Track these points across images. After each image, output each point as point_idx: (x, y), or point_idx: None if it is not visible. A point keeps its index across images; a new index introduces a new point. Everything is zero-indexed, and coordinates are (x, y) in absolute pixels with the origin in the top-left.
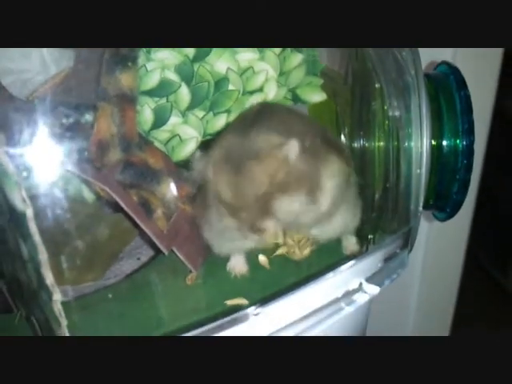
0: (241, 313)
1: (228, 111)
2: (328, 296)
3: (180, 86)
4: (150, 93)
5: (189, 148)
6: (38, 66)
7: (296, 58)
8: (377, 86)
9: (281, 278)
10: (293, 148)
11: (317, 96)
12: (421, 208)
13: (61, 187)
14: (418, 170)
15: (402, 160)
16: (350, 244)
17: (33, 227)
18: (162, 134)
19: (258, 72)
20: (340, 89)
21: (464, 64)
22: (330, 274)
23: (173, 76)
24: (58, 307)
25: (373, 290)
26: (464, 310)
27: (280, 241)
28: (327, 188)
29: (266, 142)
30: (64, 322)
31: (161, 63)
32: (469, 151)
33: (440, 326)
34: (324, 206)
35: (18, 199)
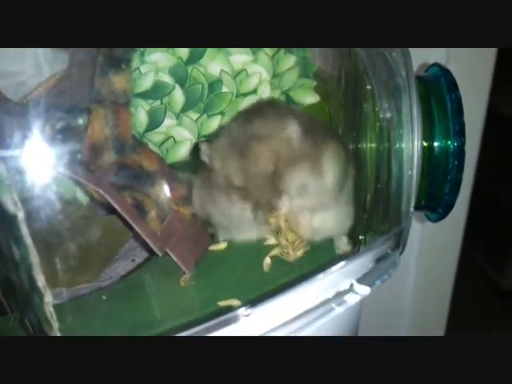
0: (231, 314)
1: (222, 113)
2: (319, 297)
3: (174, 88)
4: (144, 95)
5: (183, 150)
6: (32, 68)
7: (289, 60)
8: (368, 87)
9: (273, 278)
10: (294, 129)
11: (310, 98)
12: (412, 209)
13: (54, 190)
14: (410, 172)
15: (393, 161)
16: (342, 244)
17: (24, 230)
18: (156, 136)
19: (252, 74)
20: (333, 90)
21: (457, 65)
22: (321, 275)
23: (167, 78)
24: (49, 309)
25: (364, 290)
26: (459, 310)
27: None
28: (330, 165)
29: (268, 126)
30: (56, 324)
31: (155, 66)
32: (460, 152)
33: (435, 325)
34: (329, 181)
35: (10, 202)
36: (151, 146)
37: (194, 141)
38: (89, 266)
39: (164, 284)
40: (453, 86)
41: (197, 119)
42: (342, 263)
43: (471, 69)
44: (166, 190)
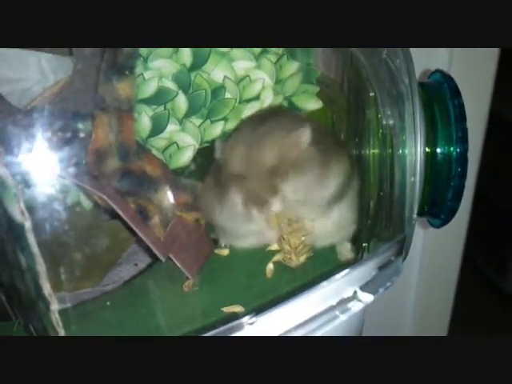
0: (236, 322)
1: (225, 119)
2: (323, 304)
3: (177, 94)
4: (148, 101)
5: (186, 156)
6: (37, 75)
7: (292, 66)
8: (371, 94)
9: (277, 285)
10: (305, 133)
11: (313, 104)
12: (415, 215)
13: (59, 196)
14: (412, 178)
15: (396, 168)
16: (345, 250)
17: (31, 239)
18: (159, 142)
19: (255, 80)
20: (336, 96)
21: (459, 71)
22: (325, 283)
23: (170, 84)
24: (55, 316)
25: (367, 298)
26: (461, 315)
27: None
28: (334, 175)
29: (281, 126)
30: (61, 331)
31: (158, 72)
32: (463, 158)
33: (437, 330)
34: (331, 189)
35: (17, 211)
36: (154, 152)
37: (197, 146)
38: (91, 270)
39: (167, 290)
40: (455, 92)
41: (200, 125)
42: (346, 271)
43: (473, 74)
44: (169, 196)
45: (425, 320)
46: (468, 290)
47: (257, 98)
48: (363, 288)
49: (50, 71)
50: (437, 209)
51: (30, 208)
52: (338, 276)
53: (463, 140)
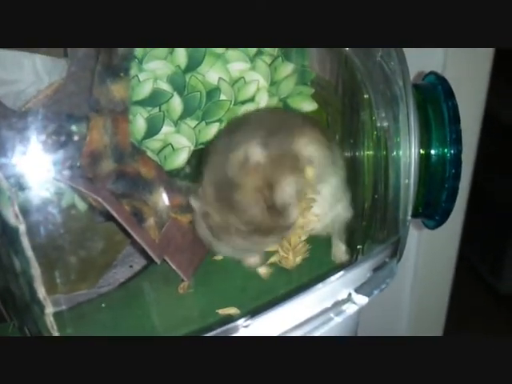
0: (231, 325)
1: (220, 120)
2: (317, 307)
3: (172, 95)
4: (143, 103)
5: (181, 157)
6: (31, 76)
7: (287, 67)
8: (365, 96)
9: (272, 287)
10: (255, 152)
11: (307, 105)
12: (409, 217)
13: (53, 199)
14: (407, 180)
15: (390, 169)
16: (340, 252)
17: (26, 243)
18: (154, 144)
19: (250, 82)
20: (330, 98)
21: (453, 73)
22: (320, 285)
23: (165, 86)
24: (50, 320)
25: (362, 300)
26: (457, 315)
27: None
28: (308, 153)
29: (235, 165)
30: (56, 333)
31: (153, 74)
32: (457, 160)
33: (433, 330)
34: (310, 171)
35: (11, 214)
36: (149, 154)
37: (192, 148)
38: (87, 272)
39: (162, 292)
40: (449, 94)
41: (195, 126)
42: (341, 273)
43: (468, 75)
44: (164, 198)
45: (420, 320)
46: (463, 289)
47: (252, 99)
48: (358, 290)
49: (44, 73)
50: (431, 210)
51: (25, 211)
52: (332, 278)
53: (457, 142)
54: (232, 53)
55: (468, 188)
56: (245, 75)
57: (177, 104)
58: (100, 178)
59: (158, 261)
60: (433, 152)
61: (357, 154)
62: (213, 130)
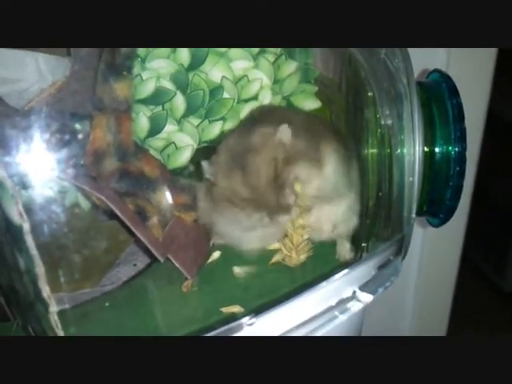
0: (235, 323)
1: (223, 119)
2: (322, 305)
3: (175, 94)
4: (146, 101)
5: (184, 156)
6: (34, 75)
7: (290, 65)
8: (369, 94)
9: (276, 286)
10: (285, 132)
11: (311, 103)
12: (414, 215)
13: (57, 197)
14: (411, 178)
15: (394, 167)
16: (345, 250)
17: (30, 241)
18: (157, 142)
19: (253, 80)
20: (334, 96)
21: (457, 71)
22: (324, 283)
23: (168, 84)
24: (54, 318)
25: (366, 298)
26: (461, 313)
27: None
28: (328, 156)
29: (260, 135)
30: (60, 333)
31: (156, 72)
32: (461, 158)
33: (436, 329)
34: (329, 170)
35: (15, 213)
36: (152, 152)
37: (195, 146)
38: (90, 270)
39: (166, 290)
40: (453, 91)
41: (198, 125)
42: (345, 271)
43: (472, 74)
44: (167, 196)
45: (424, 317)
46: (467, 287)
47: (255, 97)
48: (362, 288)
49: (47, 72)
50: (435, 208)
51: (28, 210)
52: (337, 276)
53: (461, 139)
54: (235, 51)
55: (472, 187)
56: (248, 73)
57: (180, 102)
58: (103, 177)
59: (161, 259)
60: (437, 150)
61: (361, 151)
62: (216, 128)
